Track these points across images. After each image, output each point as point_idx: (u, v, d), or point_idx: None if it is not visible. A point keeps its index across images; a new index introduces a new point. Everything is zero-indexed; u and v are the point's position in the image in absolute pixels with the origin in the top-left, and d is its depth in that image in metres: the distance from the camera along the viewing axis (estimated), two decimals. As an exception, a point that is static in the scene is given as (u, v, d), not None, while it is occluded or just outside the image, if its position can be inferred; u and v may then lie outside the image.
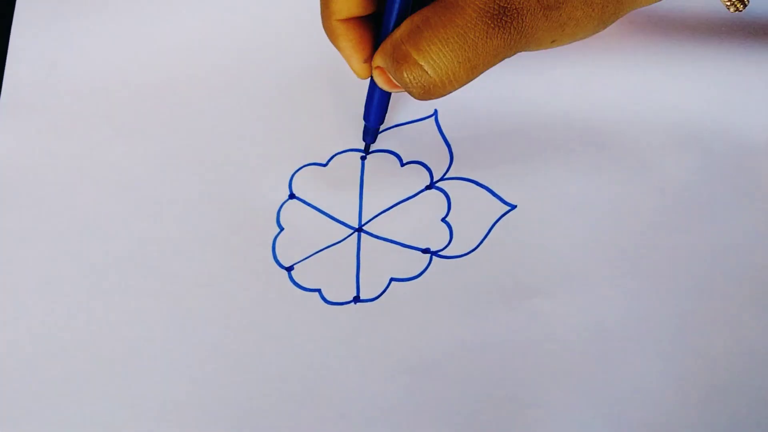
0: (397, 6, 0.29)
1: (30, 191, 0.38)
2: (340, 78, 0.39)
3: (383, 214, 0.37)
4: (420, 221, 0.36)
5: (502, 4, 0.26)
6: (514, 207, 0.36)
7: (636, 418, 0.32)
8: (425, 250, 0.36)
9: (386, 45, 0.29)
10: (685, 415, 0.32)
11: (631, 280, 0.34)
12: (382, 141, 0.38)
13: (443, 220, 0.36)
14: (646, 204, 0.36)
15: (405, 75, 0.28)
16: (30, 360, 0.34)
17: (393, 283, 0.35)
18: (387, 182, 0.37)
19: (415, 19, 0.28)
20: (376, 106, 0.35)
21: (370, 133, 0.37)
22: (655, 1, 0.30)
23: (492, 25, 0.26)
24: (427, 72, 0.27)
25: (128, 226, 0.37)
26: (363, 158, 0.38)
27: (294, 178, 0.38)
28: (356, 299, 0.35)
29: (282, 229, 0.37)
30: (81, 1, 0.41)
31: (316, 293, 0.35)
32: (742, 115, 0.37)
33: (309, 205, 0.37)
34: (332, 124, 0.39)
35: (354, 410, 0.33)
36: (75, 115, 0.40)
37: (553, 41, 0.28)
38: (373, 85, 0.33)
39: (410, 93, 0.29)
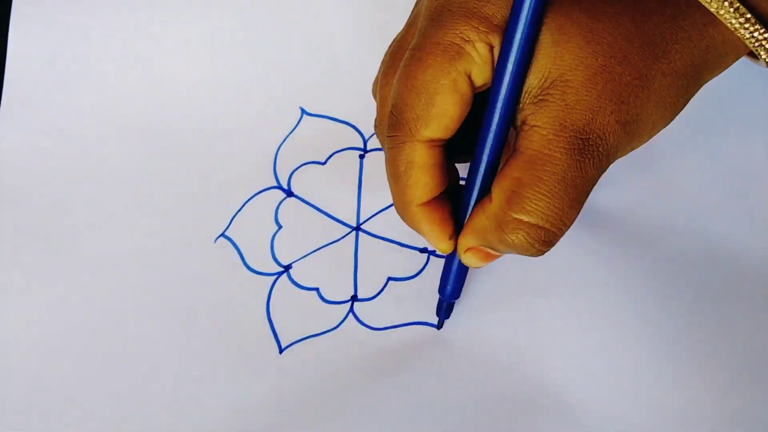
0: (480, 178, 0.28)
1: (31, 187, 0.38)
2: (338, 76, 0.39)
3: (381, 213, 0.37)
4: (418, 220, 0.36)
5: (584, 136, 0.25)
6: (512, 207, 0.36)
7: (633, 419, 0.32)
8: (423, 250, 0.36)
9: (479, 222, 0.28)
10: (682, 416, 0.32)
11: (628, 280, 0.34)
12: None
13: (441, 219, 0.36)
14: (644, 204, 0.36)
15: (523, 239, 0.27)
16: (28, 358, 0.34)
17: (390, 282, 0.35)
18: (385, 181, 0.37)
19: (505, 185, 0.26)
20: (457, 280, 0.32)
21: (446, 309, 0.33)
22: (713, 77, 0.29)
23: (582, 159, 0.26)
24: (543, 227, 0.26)
25: (127, 223, 0.37)
26: (361, 156, 0.38)
27: (293, 177, 0.38)
28: (354, 298, 0.35)
29: (280, 227, 0.37)
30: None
31: (314, 292, 0.35)
32: (742, 117, 0.36)
33: (307, 203, 0.37)
34: (330, 123, 0.39)
35: (352, 409, 0.33)
36: (75, 110, 0.40)
37: (632, 148, 0.28)
38: (451, 260, 0.31)
39: (528, 253, 0.28)
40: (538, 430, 0.32)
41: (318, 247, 0.36)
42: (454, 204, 0.29)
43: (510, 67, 0.25)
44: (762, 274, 0.34)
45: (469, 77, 0.26)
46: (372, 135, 0.39)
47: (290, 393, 0.33)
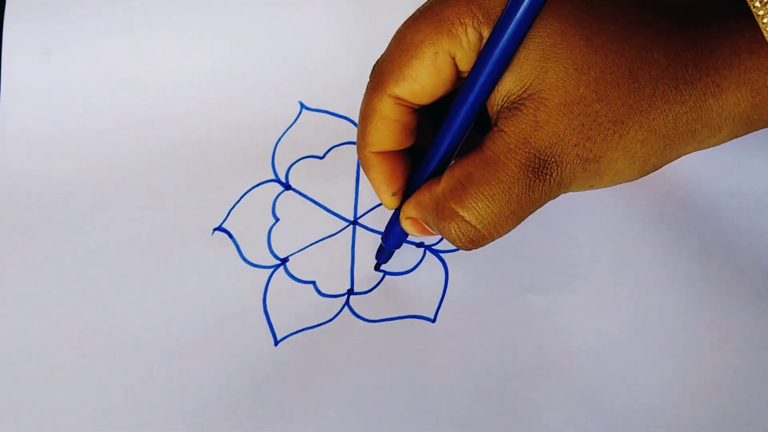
0: (437, 158, 0.28)
1: (28, 181, 0.38)
2: (337, 70, 0.39)
3: (378, 208, 0.37)
4: (415, 215, 0.36)
5: (542, 158, 0.26)
6: (509, 203, 0.36)
7: (629, 416, 0.32)
8: (419, 244, 0.36)
9: (424, 198, 0.29)
10: (679, 414, 0.32)
11: (626, 278, 0.34)
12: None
13: (438, 214, 0.36)
14: (644, 201, 0.36)
15: (453, 230, 0.27)
16: (26, 352, 0.34)
17: (387, 276, 0.35)
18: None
19: (457, 173, 0.27)
20: (397, 234, 0.33)
21: (385, 254, 0.34)
22: (700, 149, 0.28)
23: (533, 178, 0.26)
24: (474, 226, 0.27)
25: (124, 216, 0.37)
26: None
27: (291, 170, 0.38)
28: (350, 292, 0.35)
29: (277, 219, 0.37)
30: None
31: (311, 285, 0.35)
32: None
33: (305, 196, 0.37)
34: (329, 117, 0.39)
35: (347, 403, 0.33)
36: (71, 104, 0.40)
37: (591, 186, 0.28)
38: (395, 218, 0.32)
39: (454, 244, 0.28)
40: (533, 425, 0.32)
41: (315, 240, 0.36)
42: (414, 168, 0.30)
43: (492, 58, 0.25)
44: (761, 275, 0.34)
45: (454, 59, 0.27)
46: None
47: (285, 385, 0.33)
